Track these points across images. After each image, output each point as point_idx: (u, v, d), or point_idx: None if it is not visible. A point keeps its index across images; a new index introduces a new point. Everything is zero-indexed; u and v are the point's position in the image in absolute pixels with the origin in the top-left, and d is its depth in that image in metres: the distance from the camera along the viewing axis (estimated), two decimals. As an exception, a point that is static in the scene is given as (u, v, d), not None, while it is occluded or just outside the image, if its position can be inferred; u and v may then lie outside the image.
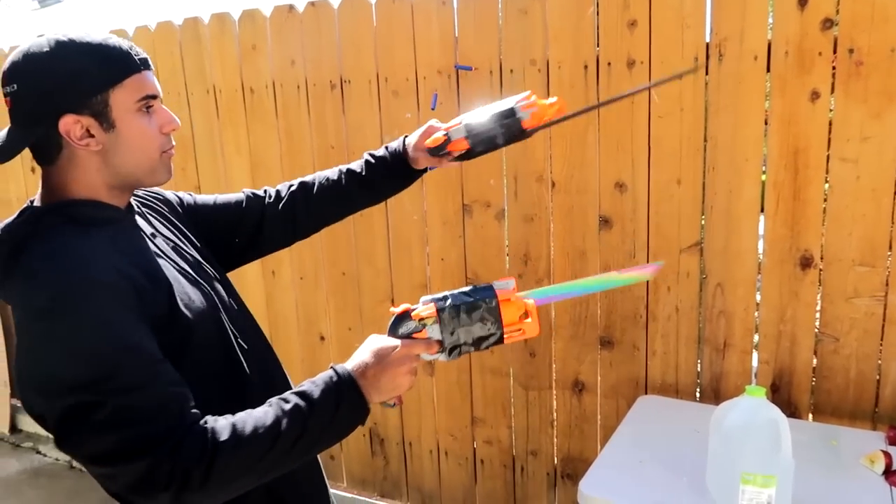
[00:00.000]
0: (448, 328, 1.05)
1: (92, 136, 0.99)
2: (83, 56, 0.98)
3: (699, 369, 1.95)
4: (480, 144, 1.29)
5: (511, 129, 1.27)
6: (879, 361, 1.74)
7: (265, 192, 1.42)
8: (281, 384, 1.25)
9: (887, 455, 1.48)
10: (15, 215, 1.02)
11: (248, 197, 1.40)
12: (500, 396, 2.28)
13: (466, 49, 2.12)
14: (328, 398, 0.98)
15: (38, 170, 1.06)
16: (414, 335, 1.06)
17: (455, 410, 2.37)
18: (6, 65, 0.99)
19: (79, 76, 0.97)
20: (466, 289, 1.11)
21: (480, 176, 2.17)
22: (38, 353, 0.91)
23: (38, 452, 3.48)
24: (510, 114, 1.26)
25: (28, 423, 3.65)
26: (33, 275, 0.93)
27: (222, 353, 1.12)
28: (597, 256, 2.03)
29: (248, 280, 2.65)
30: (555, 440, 2.21)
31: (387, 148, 1.41)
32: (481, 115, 1.29)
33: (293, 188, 1.42)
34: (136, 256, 1.03)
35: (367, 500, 2.65)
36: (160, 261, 1.06)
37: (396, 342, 1.05)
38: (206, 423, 0.93)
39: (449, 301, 1.07)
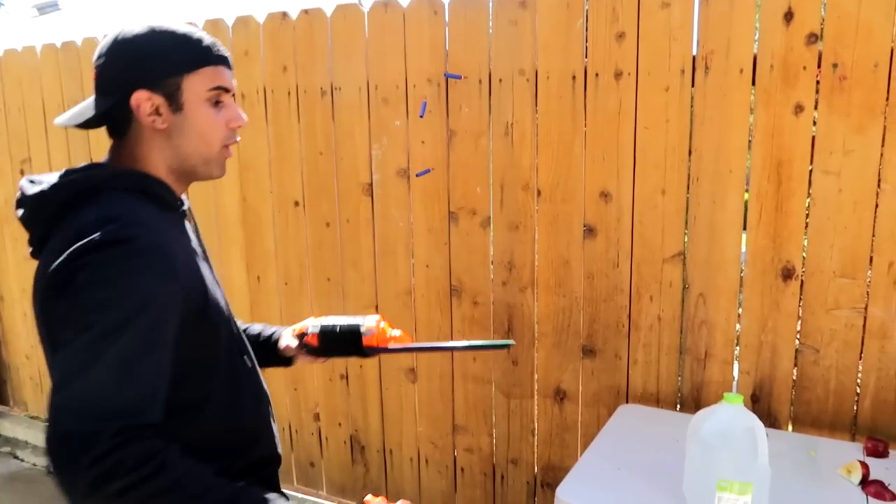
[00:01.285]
0: None
1: (160, 114, 1.05)
2: (167, 40, 1.06)
3: (680, 379, 1.95)
4: (328, 349, 1.37)
5: (353, 344, 1.35)
6: (859, 373, 1.74)
7: None
8: (264, 400, 1.27)
9: (864, 465, 1.48)
10: (80, 167, 1.05)
11: None
12: (482, 404, 2.26)
13: (456, 58, 2.14)
14: None
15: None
16: None
17: (436, 418, 2.35)
18: (101, 42, 1.08)
19: (159, 57, 1.05)
20: None
21: (467, 184, 2.18)
22: (70, 293, 0.91)
23: (16, 457, 3.43)
24: (355, 329, 1.34)
25: (6, 428, 3.61)
26: (87, 230, 0.92)
27: (231, 360, 1.16)
28: (580, 265, 2.03)
29: (234, 285, 2.64)
30: (535, 449, 2.20)
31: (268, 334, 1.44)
32: (336, 321, 1.38)
33: None
34: (186, 246, 1.09)
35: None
36: (199, 259, 1.12)
37: None
38: (165, 446, 0.88)
39: None
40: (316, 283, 2.51)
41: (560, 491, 1.46)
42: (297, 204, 2.50)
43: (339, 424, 2.56)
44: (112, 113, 1.06)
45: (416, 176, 2.25)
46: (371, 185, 2.35)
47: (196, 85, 1.06)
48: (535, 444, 2.20)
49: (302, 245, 2.51)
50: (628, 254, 1.97)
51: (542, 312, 2.11)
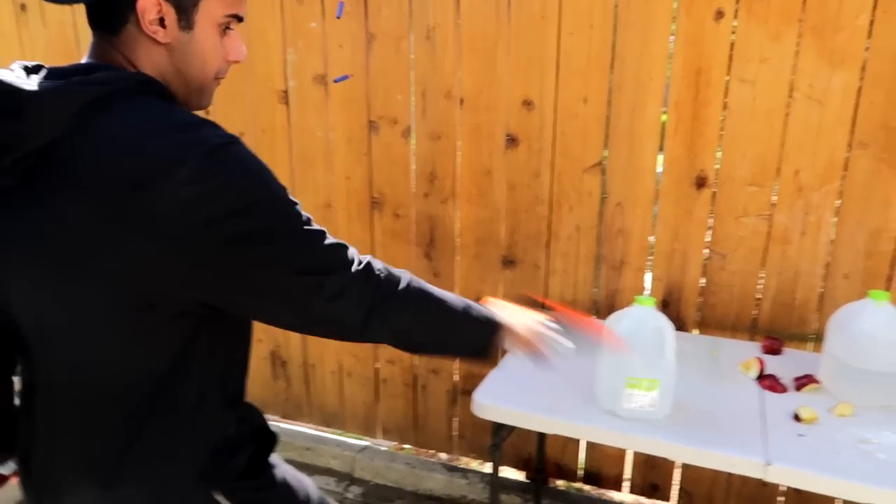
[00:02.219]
0: None
1: (163, 26, 0.91)
2: None
3: (596, 287, 1.99)
4: None
5: None
6: (761, 277, 1.82)
7: None
8: None
9: (761, 362, 1.57)
10: (84, 66, 0.90)
11: None
12: (404, 316, 2.27)
13: (375, -47, 2.01)
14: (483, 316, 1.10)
15: None
16: None
17: (358, 331, 2.35)
18: None
19: None
20: None
21: (388, 91, 2.09)
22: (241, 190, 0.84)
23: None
24: None
25: None
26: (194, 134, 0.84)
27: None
28: (502, 175, 2.01)
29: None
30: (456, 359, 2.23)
31: None
32: None
33: None
34: None
35: (268, 421, 2.62)
36: None
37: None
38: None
39: None
40: (231, 196, 2.40)
41: (477, 394, 1.49)
42: (206, 113, 2.35)
43: (260, 340, 2.52)
44: (106, 3, 0.90)
45: (334, 82, 2.14)
46: (286, 92, 2.23)
47: (214, 7, 0.93)
48: (456, 353, 2.23)
49: (214, 156, 2.38)
50: (549, 163, 1.96)
51: (463, 223, 2.10)
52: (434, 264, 2.17)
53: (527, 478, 2.31)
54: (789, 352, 1.72)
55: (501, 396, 1.49)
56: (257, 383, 2.59)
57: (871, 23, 1.62)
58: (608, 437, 1.39)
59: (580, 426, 1.41)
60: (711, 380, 1.56)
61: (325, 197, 2.26)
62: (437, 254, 2.16)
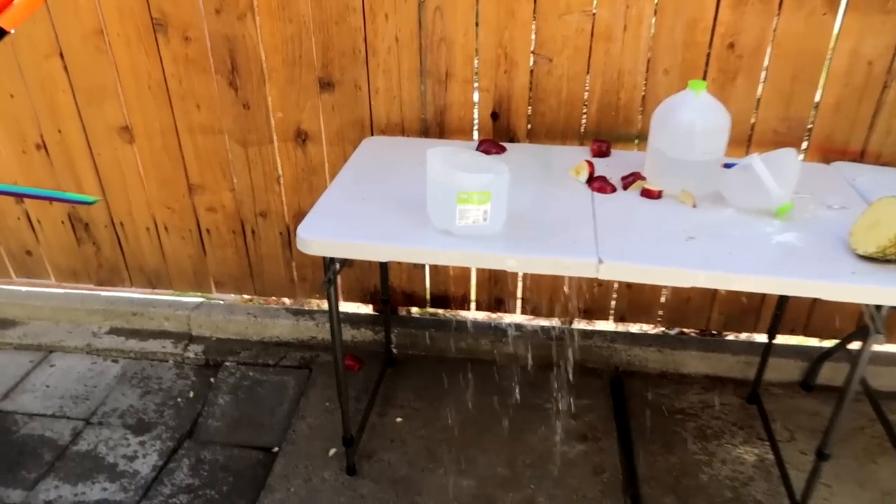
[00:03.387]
0: None
1: None
2: None
3: (423, 104, 1.86)
4: None
5: None
6: (587, 79, 1.77)
7: None
8: None
9: (590, 165, 1.55)
10: None
11: None
12: (217, 157, 2.02)
13: None
14: None
15: None
16: None
17: (167, 180, 2.08)
18: None
19: None
20: None
21: None
22: None
23: None
24: None
25: None
26: None
27: None
28: (307, -17, 1.74)
29: None
30: (283, 197, 2.06)
31: None
32: None
33: None
34: None
35: (83, 291, 2.36)
36: None
37: None
38: None
39: None
40: (-27, 31, 1.92)
41: (301, 229, 1.35)
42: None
43: (51, 203, 2.18)
44: None
45: None
46: None
47: None
48: (283, 192, 2.05)
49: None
50: (355, -36, 1.71)
51: (268, 43, 1.83)
52: (242, 95, 1.91)
53: (374, 311, 2.29)
54: (616, 153, 1.72)
55: (328, 228, 1.37)
56: (59, 251, 2.28)
57: None
58: (444, 257, 1.33)
59: (413, 249, 1.33)
60: (544, 188, 1.52)
61: (92, 22, 1.87)
62: (243, 82, 1.89)
